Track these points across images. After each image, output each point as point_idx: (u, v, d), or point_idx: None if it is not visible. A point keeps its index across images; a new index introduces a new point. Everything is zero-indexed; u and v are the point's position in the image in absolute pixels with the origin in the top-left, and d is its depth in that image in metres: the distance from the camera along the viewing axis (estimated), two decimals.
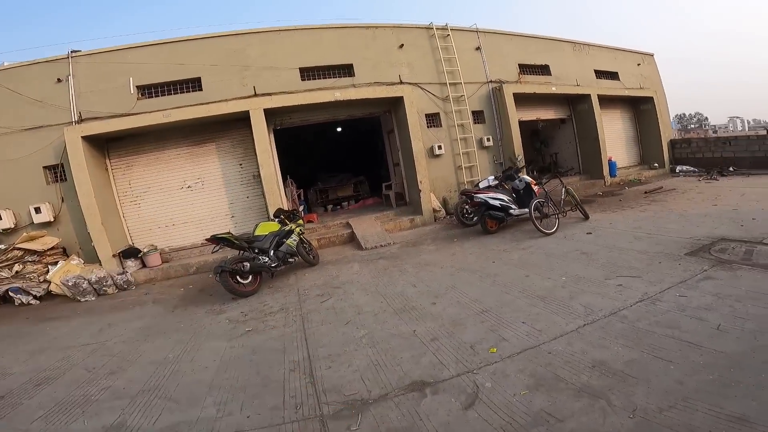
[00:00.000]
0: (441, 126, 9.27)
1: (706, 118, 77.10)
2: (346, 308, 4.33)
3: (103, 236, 7.18)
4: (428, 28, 9.44)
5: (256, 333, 4.04)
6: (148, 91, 7.85)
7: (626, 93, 12.52)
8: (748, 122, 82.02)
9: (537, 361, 2.67)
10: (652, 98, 12.96)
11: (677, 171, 12.47)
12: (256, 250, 5.77)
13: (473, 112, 9.55)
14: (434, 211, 8.74)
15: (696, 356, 2.46)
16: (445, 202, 9.19)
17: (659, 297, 3.41)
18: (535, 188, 7.24)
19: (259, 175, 7.88)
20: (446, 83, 9.25)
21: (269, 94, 8.00)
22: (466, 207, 7.72)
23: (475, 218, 7.50)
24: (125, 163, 8.08)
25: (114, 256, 7.27)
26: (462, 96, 9.37)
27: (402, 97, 8.58)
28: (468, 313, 3.65)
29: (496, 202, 6.94)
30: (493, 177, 8.17)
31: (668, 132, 13.67)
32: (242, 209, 8.43)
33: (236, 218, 8.41)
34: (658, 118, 12.93)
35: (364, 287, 4.99)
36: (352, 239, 7.98)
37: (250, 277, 5.47)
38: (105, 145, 7.90)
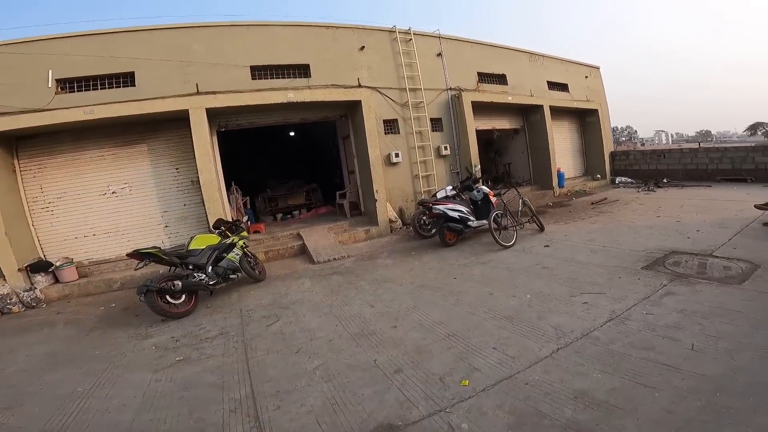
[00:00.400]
0: (399, 133, 9.10)
1: (636, 132, 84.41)
2: (297, 333, 3.91)
3: (7, 248, 6.22)
4: (391, 31, 9.26)
5: (189, 363, 3.53)
6: (69, 84, 6.93)
7: (575, 105, 13.15)
8: (672, 136, 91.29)
9: (515, 394, 2.46)
10: (597, 111, 13.74)
11: (617, 182, 13.27)
12: (191, 266, 5.17)
13: (431, 120, 9.50)
14: (390, 221, 8.51)
15: (678, 381, 2.39)
16: (401, 213, 9.00)
17: (627, 315, 3.38)
18: (493, 199, 7.26)
19: (199, 180, 7.20)
20: (406, 89, 9.11)
21: (214, 93, 7.38)
22: (424, 218, 7.57)
23: (434, 230, 7.37)
24: (37, 164, 7.05)
25: (20, 270, 6.31)
26: (421, 102, 9.28)
27: (360, 101, 8.31)
28: (433, 339, 3.39)
29: (455, 214, 6.85)
30: (451, 187, 8.11)
31: (609, 144, 14.54)
32: (178, 218, 7.66)
33: (171, 228, 7.62)
34: (601, 131, 13.75)
35: (316, 307, 4.60)
36: (303, 252, 7.52)
37: (184, 296, 4.88)
38: (14, 144, 6.85)
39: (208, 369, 3.36)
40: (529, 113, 12.13)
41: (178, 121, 7.26)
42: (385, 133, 8.90)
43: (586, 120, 14.10)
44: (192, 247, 5.43)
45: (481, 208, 7.22)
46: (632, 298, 3.73)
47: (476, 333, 3.39)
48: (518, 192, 7.59)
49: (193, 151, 7.15)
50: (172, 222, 7.63)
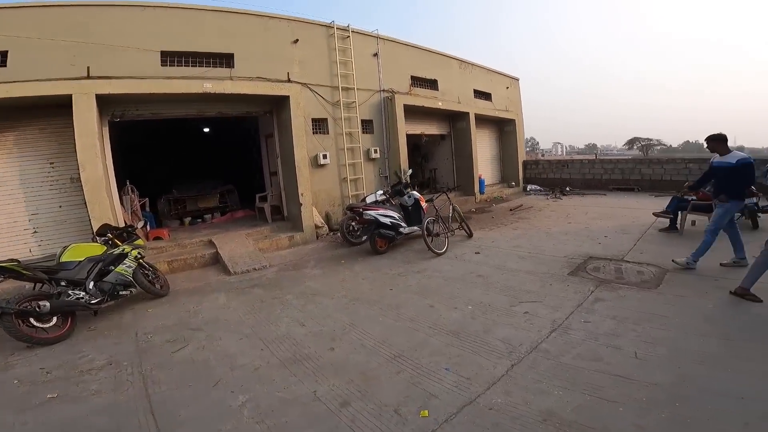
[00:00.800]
0: (328, 133, 8.71)
1: (538, 143, 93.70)
2: (213, 360, 3.36)
3: None
4: (328, 26, 8.86)
5: (67, 401, 2.82)
6: None
7: (496, 114, 13.98)
8: (566, 148, 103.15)
9: (481, 422, 2.30)
10: (514, 121, 14.80)
11: (528, 190, 14.41)
12: (64, 282, 4.26)
13: (363, 121, 9.28)
14: (316, 227, 8.08)
15: (636, 392, 2.44)
16: (328, 218, 8.62)
17: (568, 325, 3.47)
18: (424, 205, 7.26)
19: (80, 178, 6.04)
20: (339, 87, 8.76)
21: (108, 78, 6.26)
22: (353, 224, 7.30)
23: (364, 237, 7.14)
24: None
25: None
26: (353, 102, 9.01)
27: (288, 96, 7.74)
28: (378, 361, 3.12)
29: (387, 220, 6.69)
30: (381, 192, 7.96)
31: (522, 153, 15.74)
32: (52, 223, 6.35)
33: (41, 234, 6.30)
34: (517, 140, 14.83)
35: (235, 328, 4.03)
36: (216, 261, 6.75)
37: (56, 318, 3.99)
38: None
39: (96, 409, 2.71)
40: (455, 120, 12.56)
41: (60, 108, 6.02)
42: (314, 133, 8.45)
43: (504, 129, 15.10)
44: (65, 259, 4.47)
45: (412, 213, 7.17)
46: (568, 306, 3.87)
47: (424, 352, 3.19)
48: (449, 198, 7.71)
49: (75, 143, 5.99)
50: (43, 227, 6.31)
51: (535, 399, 2.47)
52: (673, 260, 4.88)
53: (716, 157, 4.84)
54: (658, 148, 65.27)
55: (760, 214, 6.71)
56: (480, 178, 12.75)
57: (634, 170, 13.15)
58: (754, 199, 6.70)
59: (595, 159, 15.24)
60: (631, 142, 66.19)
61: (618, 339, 3.12)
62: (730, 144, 4.87)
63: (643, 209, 8.83)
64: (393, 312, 4.12)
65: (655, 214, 7.25)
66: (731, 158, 4.65)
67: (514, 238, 7.14)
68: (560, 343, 3.15)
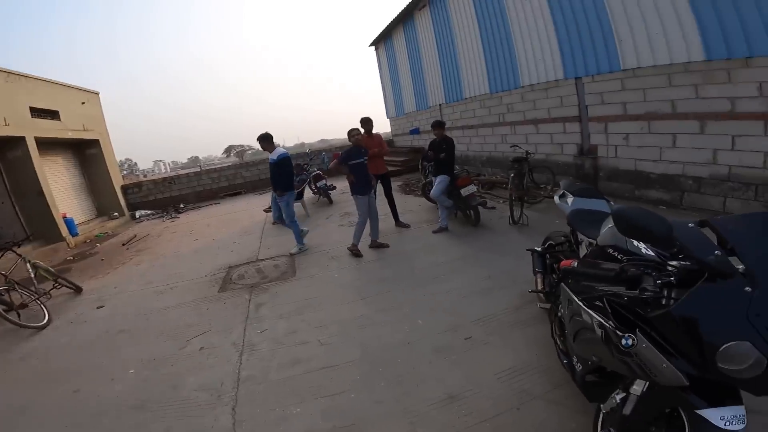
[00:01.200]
0: None
1: (136, 164, 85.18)
2: None
3: None
4: None
5: None
6: None
7: (70, 135, 11.18)
8: (169, 164, 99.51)
9: None
10: (98, 141, 12.43)
11: (138, 216, 12.92)
12: None
13: None
14: None
15: (348, 375, 2.71)
16: None
17: (250, 341, 3.39)
18: None
19: None
20: None
21: None
22: None
23: None
24: None
25: None
26: None
27: None
28: None
29: None
30: None
31: (119, 177, 13.77)
32: None
33: None
34: (106, 164, 12.66)
35: None
36: None
37: None
38: None
39: None
40: (5, 148, 9.04)
41: None
42: None
43: (86, 153, 12.46)
44: None
45: None
46: (237, 323, 3.76)
47: None
48: (18, 254, 5.57)
49: None
50: None
51: (284, 428, 2.30)
52: (289, 253, 5.71)
53: (269, 155, 5.82)
54: (250, 152, 75.28)
55: (330, 192, 9.07)
56: (65, 216, 10.07)
57: (236, 175, 14.55)
58: (325, 181, 8.96)
59: (201, 171, 15.62)
60: (228, 150, 72.89)
61: (298, 334, 3.34)
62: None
63: (255, 208, 9.89)
64: (20, 421, 2.71)
65: (265, 211, 8.28)
66: (275, 155, 5.66)
67: (141, 274, 6.16)
68: (257, 362, 3.04)
